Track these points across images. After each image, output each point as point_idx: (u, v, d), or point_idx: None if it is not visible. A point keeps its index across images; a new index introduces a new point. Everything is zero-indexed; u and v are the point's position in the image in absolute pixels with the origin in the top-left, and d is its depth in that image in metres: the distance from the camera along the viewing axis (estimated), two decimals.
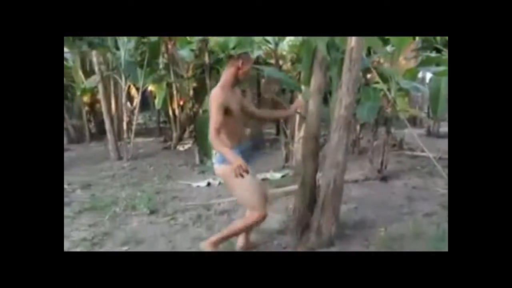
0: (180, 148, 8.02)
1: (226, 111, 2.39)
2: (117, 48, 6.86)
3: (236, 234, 2.71)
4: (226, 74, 2.53)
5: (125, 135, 7.17)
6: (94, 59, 6.99)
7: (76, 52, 7.50)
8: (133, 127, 7.16)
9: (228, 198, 4.16)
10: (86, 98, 9.04)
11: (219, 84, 2.50)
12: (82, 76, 8.66)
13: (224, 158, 2.34)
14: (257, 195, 2.48)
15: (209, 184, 4.99)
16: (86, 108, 9.33)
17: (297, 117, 5.22)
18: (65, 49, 7.83)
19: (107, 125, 7.12)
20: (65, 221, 3.65)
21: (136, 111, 7.22)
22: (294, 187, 3.79)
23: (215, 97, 2.39)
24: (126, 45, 6.69)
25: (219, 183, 4.85)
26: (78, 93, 8.56)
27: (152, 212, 3.91)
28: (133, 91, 8.52)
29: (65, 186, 5.32)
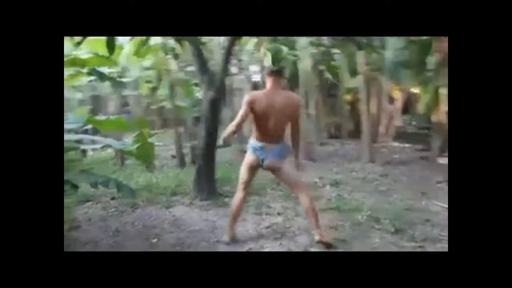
0: (441, 161, 7.02)
1: (256, 110, 3.00)
2: (384, 48, 6.58)
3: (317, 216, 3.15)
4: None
5: (381, 138, 6.89)
6: (360, 60, 6.98)
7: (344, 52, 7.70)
8: (391, 131, 6.78)
9: None
10: (348, 97, 9.28)
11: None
12: (348, 76, 8.91)
13: (277, 152, 3.09)
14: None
15: None
16: (348, 106, 9.60)
17: None
18: (336, 50, 8.25)
19: (364, 126, 7.04)
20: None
21: (396, 115, 6.77)
22: None
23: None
24: (394, 44, 6.31)
25: None
26: (341, 92, 8.86)
27: (396, 231, 3.45)
28: (396, 92, 8.07)
29: (316, 179, 5.59)
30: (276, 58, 6.59)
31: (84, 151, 7.26)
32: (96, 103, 10.52)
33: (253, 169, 3.21)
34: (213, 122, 4.49)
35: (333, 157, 7.68)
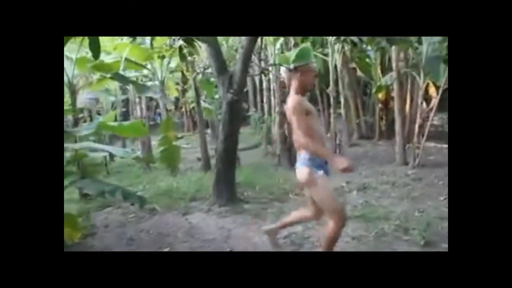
0: None
1: (307, 114, 2.48)
2: (420, 43, 6.17)
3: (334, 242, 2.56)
4: (293, 86, 2.63)
5: (415, 139, 6.47)
6: (393, 55, 6.59)
7: (374, 48, 7.32)
8: (426, 131, 6.33)
9: None
10: (381, 95, 8.85)
11: (292, 93, 2.60)
12: (380, 73, 8.50)
13: (308, 160, 2.45)
14: (337, 200, 2.66)
15: None
16: (380, 105, 9.16)
17: None
18: (368, 47, 7.88)
19: (397, 126, 6.64)
20: None
21: (431, 113, 6.32)
22: None
23: (294, 103, 2.49)
24: (430, 39, 5.89)
25: None
26: (373, 90, 8.46)
27: (426, 243, 3.12)
28: (432, 90, 7.58)
29: (343, 184, 5.30)
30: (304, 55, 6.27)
31: (111, 155, 7.38)
32: (129, 106, 10.73)
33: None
34: (232, 124, 4.33)
35: (363, 159, 7.32)
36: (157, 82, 6.87)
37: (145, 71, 7.43)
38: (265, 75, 6.86)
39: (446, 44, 6.20)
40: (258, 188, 5.09)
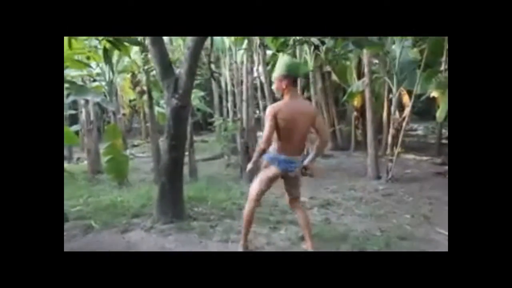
0: None
1: (281, 119, 3.16)
2: (390, 46, 6.39)
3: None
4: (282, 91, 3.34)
5: (387, 150, 6.65)
6: (365, 59, 6.78)
7: (341, 52, 7.53)
8: (399, 142, 6.53)
9: None
10: (356, 102, 9.06)
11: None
12: (355, 78, 8.72)
13: (268, 154, 3.28)
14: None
15: None
16: (355, 113, 9.37)
17: None
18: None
19: (369, 136, 6.81)
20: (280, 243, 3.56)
21: (404, 123, 6.53)
22: None
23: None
24: (402, 42, 6.11)
25: None
26: (346, 97, 8.66)
27: None
28: (405, 98, 7.82)
29: (306, 199, 5.38)
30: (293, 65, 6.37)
31: None
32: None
33: (272, 181, 3.40)
34: (178, 132, 4.34)
35: (334, 172, 7.46)
36: (103, 83, 6.81)
37: (97, 70, 7.39)
38: (214, 79, 6.94)
39: (418, 49, 6.46)
40: (210, 203, 5.10)
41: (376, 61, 9.01)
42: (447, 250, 3.45)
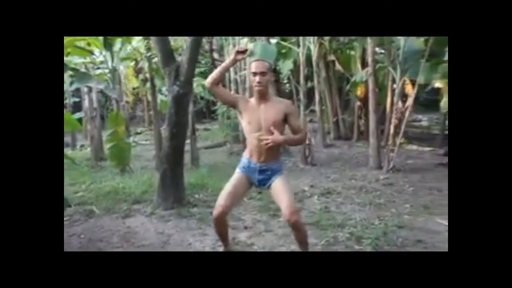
0: None
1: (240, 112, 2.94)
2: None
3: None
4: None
5: (389, 140, 6.65)
6: (369, 49, 6.75)
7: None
8: (401, 132, 6.52)
9: None
10: (359, 92, 9.04)
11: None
12: (360, 68, 8.68)
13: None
14: (226, 196, 2.98)
15: None
16: (358, 103, 9.35)
17: None
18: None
19: (371, 126, 6.80)
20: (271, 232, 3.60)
21: (407, 113, 6.51)
22: None
23: None
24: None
25: None
26: (350, 86, 8.64)
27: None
28: (408, 87, 7.79)
29: (306, 188, 5.42)
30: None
31: None
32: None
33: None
34: (179, 120, 4.38)
35: (336, 162, 7.48)
36: (106, 71, 6.84)
37: (101, 58, 7.41)
38: (215, 67, 6.97)
39: (423, 39, 6.42)
40: (211, 190, 5.15)
41: (382, 50, 8.98)
42: (445, 239, 3.56)
